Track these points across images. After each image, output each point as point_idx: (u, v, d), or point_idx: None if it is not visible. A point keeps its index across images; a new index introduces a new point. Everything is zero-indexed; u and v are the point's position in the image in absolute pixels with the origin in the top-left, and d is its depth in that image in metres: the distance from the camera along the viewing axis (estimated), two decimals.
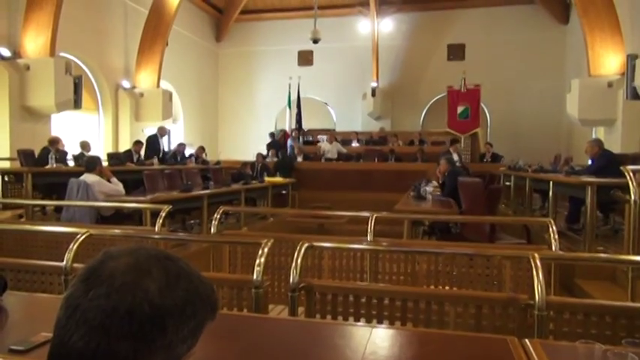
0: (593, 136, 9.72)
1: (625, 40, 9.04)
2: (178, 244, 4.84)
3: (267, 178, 9.08)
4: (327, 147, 11.67)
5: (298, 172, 10.61)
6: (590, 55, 9.33)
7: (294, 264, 2.09)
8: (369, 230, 3.30)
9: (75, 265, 2.28)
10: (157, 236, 3.18)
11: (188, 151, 10.53)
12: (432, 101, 14.85)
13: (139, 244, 2.07)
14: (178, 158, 9.70)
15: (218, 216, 3.97)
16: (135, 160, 8.43)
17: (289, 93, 13.85)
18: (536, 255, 1.95)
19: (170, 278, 0.64)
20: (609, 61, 9.20)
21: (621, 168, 3.69)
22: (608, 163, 5.24)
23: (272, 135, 12.45)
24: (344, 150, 11.90)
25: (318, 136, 14.16)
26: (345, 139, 13.40)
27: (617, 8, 8.96)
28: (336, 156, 11.65)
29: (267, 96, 15.76)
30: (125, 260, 0.64)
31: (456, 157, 9.25)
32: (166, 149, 10.14)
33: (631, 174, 3.56)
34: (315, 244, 2.31)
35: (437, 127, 13.94)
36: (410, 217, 4.50)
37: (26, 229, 3.88)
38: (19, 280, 2.38)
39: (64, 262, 2.27)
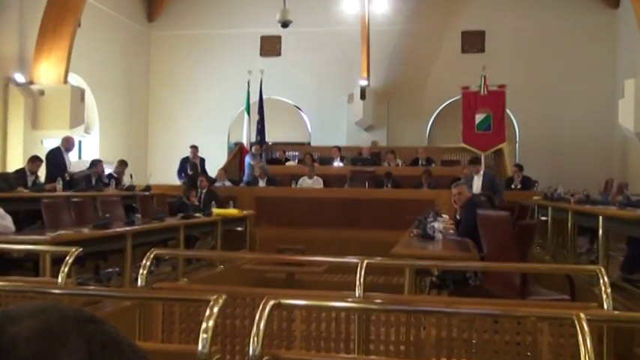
0: None
1: None
2: (90, 301, 4.77)
3: (216, 210, 9.03)
4: (307, 183, 11.67)
5: (260, 203, 10.66)
6: None
7: (254, 329, 2.08)
8: (357, 282, 3.31)
9: None
10: (59, 291, 3.13)
11: (106, 171, 10.46)
12: (442, 107, 15.15)
13: (47, 301, 2.04)
14: (92, 181, 9.59)
15: (147, 262, 3.93)
16: (30, 183, 8.36)
17: (248, 93, 13.96)
18: (583, 315, 1.97)
19: (94, 348, 0.62)
20: None
21: None
22: None
23: (194, 148, 12.30)
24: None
25: (287, 152, 14.24)
26: (323, 157, 13.49)
27: None
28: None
29: (217, 97, 15.82)
30: (31, 324, 0.62)
31: (477, 183, 9.37)
32: (75, 169, 10.04)
33: None
34: (284, 301, 2.30)
35: (448, 141, 14.15)
36: (413, 265, 4.52)
37: None
38: None
39: None
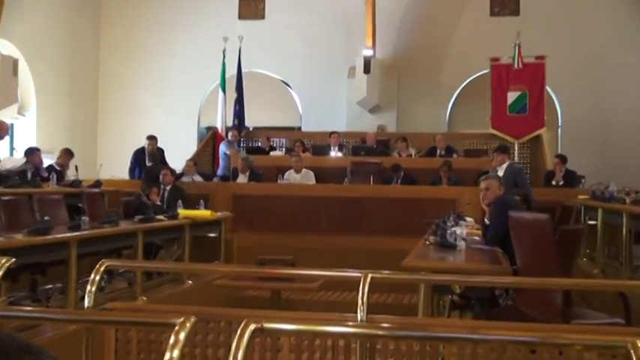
0: None
1: None
2: (25, 325, 4.74)
3: (183, 211, 9.01)
4: (294, 178, 11.67)
5: (239, 202, 10.68)
6: None
7: (231, 359, 2.07)
8: (359, 302, 3.29)
9: None
10: None
11: (45, 163, 10.42)
12: (466, 83, 15.18)
13: None
14: (27, 175, 9.54)
15: (97, 277, 3.91)
16: None
17: (223, 66, 13.93)
18: None
19: None
20: None
21: None
22: None
23: (152, 140, 12.20)
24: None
25: (273, 140, 14.20)
26: (317, 146, 13.48)
27: None
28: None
29: (185, 70, 15.77)
30: None
31: (499, 172, 9.31)
32: (5, 160, 9.97)
33: None
34: (268, 325, 2.29)
35: (474, 126, 14.16)
36: (429, 280, 4.50)
37: None
38: None
39: None
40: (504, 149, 10.02)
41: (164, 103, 15.88)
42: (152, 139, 12.11)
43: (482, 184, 6.31)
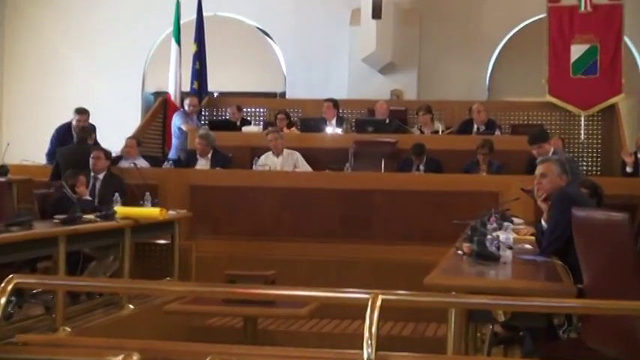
0: None
1: None
2: None
3: (121, 209, 8.99)
4: (275, 163, 11.60)
5: (199, 197, 10.68)
6: None
7: None
8: (366, 334, 3.26)
9: None
10: None
11: None
12: (513, 33, 15.31)
13: None
14: None
15: (3, 299, 3.90)
16: None
17: (177, 7, 13.86)
18: None
19: None
20: None
21: None
22: None
23: (81, 115, 12.04)
24: (309, 167, 11.91)
25: (246, 110, 14.17)
26: (307, 119, 13.49)
27: None
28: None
29: (124, 15, 15.83)
30: None
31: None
32: None
33: None
34: None
35: (523, 92, 14.22)
36: (462, 304, 4.46)
37: None
38: None
39: None
40: (542, 136, 9.87)
41: (96, 63, 15.96)
42: (82, 113, 12.00)
43: (538, 169, 6.31)
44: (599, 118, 12.97)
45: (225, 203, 10.60)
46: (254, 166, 11.50)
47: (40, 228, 7.60)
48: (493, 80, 15.26)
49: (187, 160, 12.09)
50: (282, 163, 11.67)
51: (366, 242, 9.95)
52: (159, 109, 14.28)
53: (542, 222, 6.27)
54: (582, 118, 11.91)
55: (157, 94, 15.31)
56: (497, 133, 12.60)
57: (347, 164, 11.51)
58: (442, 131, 13.01)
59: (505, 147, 11.52)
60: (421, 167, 11.38)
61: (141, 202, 9.48)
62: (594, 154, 11.61)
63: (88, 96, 13.20)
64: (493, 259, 5.69)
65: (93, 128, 12.03)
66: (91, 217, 8.42)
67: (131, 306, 8.30)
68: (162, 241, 9.57)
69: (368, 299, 3.33)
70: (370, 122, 13.07)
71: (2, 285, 4.00)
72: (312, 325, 8.62)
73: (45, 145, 12.25)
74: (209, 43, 14.23)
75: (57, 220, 7.90)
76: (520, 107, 13.85)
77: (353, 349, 3.25)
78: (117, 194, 9.66)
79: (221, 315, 7.91)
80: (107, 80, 15.20)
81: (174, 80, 13.85)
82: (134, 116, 15.06)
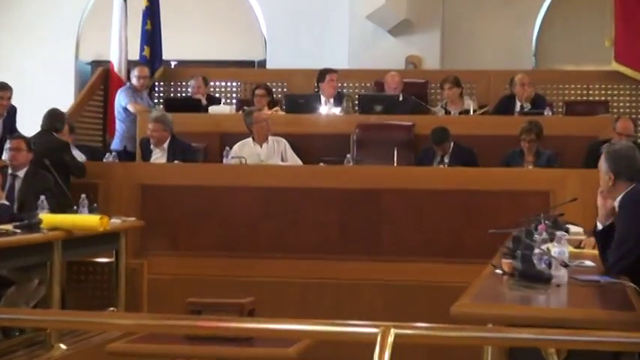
0: None
1: None
2: None
3: (48, 216, 8.92)
4: (255, 154, 11.53)
5: (152, 199, 10.77)
6: None
7: None
8: None
9: None
10: None
11: None
12: None
13: None
14: None
15: None
16: None
17: None
18: None
19: None
20: None
21: None
22: None
23: (4, 91, 12.18)
24: (298, 160, 12.08)
25: (214, 84, 14.20)
26: (296, 96, 13.51)
27: None
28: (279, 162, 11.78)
29: None
30: None
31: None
32: None
33: None
34: None
35: (581, 58, 14.19)
36: (502, 339, 4.40)
37: None
38: None
39: None
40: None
41: (16, 25, 16.35)
42: (4, 89, 12.03)
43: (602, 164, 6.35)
44: None
45: (188, 208, 10.61)
46: (225, 159, 11.43)
47: None
48: (541, 44, 15.41)
49: (138, 150, 12.01)
50: (266, 153, 11.56)
51: (372, 259, 9.97)
52: (97, 83, 14.44)
53: (598, 223, 6.47)
54: None
55: (95, 63, 15.50)
56: (548, 112, 12.62)
57: (348, 156, 11.52)
58: (474, 111, 13.03)
59: (558, 131, 11.58)
60: (446, 159, 11.38)
61: (75, 208, 9.43)
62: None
63: (7, 67, 13.24)
64: (542, 280, 5.75)
65: (12, 110, 12.03)
66: (7, 227, 8.42)
67: (62, 346, 8.33)
68: (103, 260, 9.55)
69: (376, 334, 3.32)
70: (378, 99, 13.05)
71: None
72: None
73: None
74: None
75: None
76: (577, 78, 13.93)
77: None
78: (43, 197, 9.59)
79: (183, 357, 7.83)
80: (30, 46, 15.29)
81: (118, 45, 13.94)
82: (65, 93, 15.21)
